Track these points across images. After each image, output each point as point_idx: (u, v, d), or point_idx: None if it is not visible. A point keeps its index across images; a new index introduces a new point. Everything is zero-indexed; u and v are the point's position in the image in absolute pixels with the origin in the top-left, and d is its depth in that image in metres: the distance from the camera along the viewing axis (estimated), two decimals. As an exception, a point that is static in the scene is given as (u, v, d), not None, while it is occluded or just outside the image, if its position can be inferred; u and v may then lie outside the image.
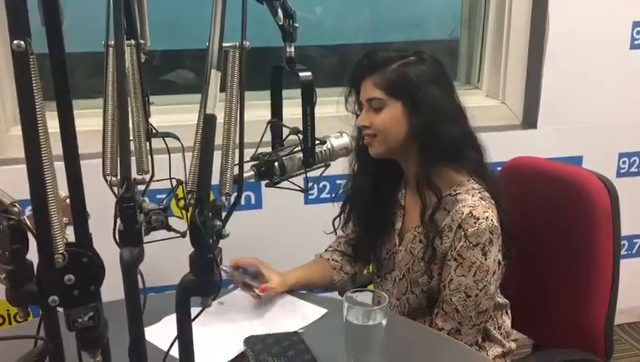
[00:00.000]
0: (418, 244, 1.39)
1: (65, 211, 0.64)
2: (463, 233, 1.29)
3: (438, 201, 1.34)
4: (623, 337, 2.71)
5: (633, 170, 2.57)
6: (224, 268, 1.37)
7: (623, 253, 1.47)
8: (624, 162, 2.55)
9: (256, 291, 1.35)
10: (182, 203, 0.83)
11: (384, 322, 1.07)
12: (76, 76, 2.18)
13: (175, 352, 0.77)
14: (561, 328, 1.51)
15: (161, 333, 1.02)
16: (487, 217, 1.28)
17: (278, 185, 1.07)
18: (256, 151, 1.05)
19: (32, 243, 0.66)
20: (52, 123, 0.62)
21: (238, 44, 0.77)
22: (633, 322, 2.81)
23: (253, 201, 2.20)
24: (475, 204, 1.30)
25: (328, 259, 1.55)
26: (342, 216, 1.55)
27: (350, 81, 1.42)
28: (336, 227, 1.56)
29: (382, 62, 1.35)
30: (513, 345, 1.49)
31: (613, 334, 1.41)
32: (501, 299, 1.47)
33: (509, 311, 1.51)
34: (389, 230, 1.49)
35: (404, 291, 1.44)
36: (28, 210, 0.64)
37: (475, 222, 1.28)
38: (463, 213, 1.29)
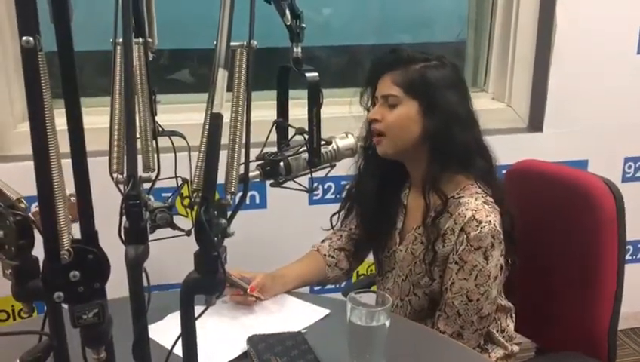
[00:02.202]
0: (419, 246, 1.39)
1: (70, 210, 0.64)
2: (465, 236, 1.29)
3: (443, 205, 1.34)
4: (626, 342, 2.70)
5: (639, 174, 2.56)
6: None
7: (627, 257, 1.46)
8: (630, 167, 2.54)
9: (245, 287, 1.33)
10: (187, 201, 0.83)
11: (387, 323, 1.07)
12: (84, 74, 2.19)
13: (178, 350, 0.77)
14: (564, 332, 1.51)
15: (164, 331, 1.03)
16: (489, 221, 1.28)
17: (283, 185, 1.07)
18: (261, 150, 1.05)
19: (38, 239, 0.66)
20: (59, 120, 0.62)
21: (245, 43, 0.77)
22: (637, 327, 2.80)
23: (257, 201, 2.20)
24: (478, 208, 1.30)
25: (325, 255, 1.55)
26: (341, 212, 1.56)
27: (369, 75, 1.43)
28: (333, 224, 1.57)
29: (405, 60, 1.35)
30: (516, 348, 1.49)
31: (616, 339, 1.41)
32: (505, 302, 1.47)
33: (513, 315, 1.51)
34: (391, 229, 1.49)
35: (407, 292, 1.44)
36: (34, 206, 0.65)
37: (478, 226, 1.28)
38: (465, 217, 1.29)
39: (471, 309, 1.31)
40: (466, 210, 1.30)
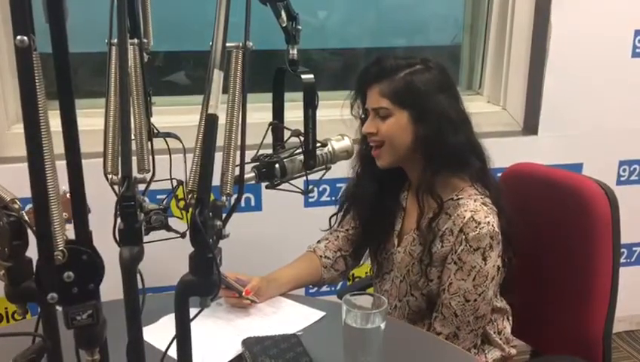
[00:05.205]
0: (418, 247, 1.40)
1: (65, 206, 0.64)
2: (463, 237, 1.29)
3: (439, 207, 1.34)
4: (621, 345, 2.70)
5: (633, 178, 2.57)
6: None
7: (622, 260, 1.47)
8: (624, 170, 2.55)
9: (241, 290, 1.33)
10: (182, 203, 0.83)
11: (383, 326, 1.07)
12: (79, 76, 2.19)
13: (173, 352, 0.77)
14: (559, 335, 1.51)
15: (159, 333, 1.02)
16: (488, 222, 1.29)
17: (278, 187, 1.07)
18: (257, 152, 1.05)
19: (32, 240, 0.66)
20: (54, 121, 0.62)
21: (241, 44, 0.77)
22: (631, 330, 2.81)
23: (253, 203, 2.20)
24: (476, 209, 1.30)
25: (321, 257, 1.55)
26: (339, 213, 1.56)
27: (356, 87, 1.42)
28: (332, 224, 1.57)
29: (389, 70, 1.35)
30: (513, 351, 1.49)
31: (611, 342, 1.41)
32: (502, 304, 1.48)
33: (509, 317, 1.51)
34: (389, 231, 1.49)
35: (405, 294, 1.44)
36: (28, 208, 0.64)
37: (477, 227, 1.28)
38: (464, 218, 1.30)
39: (468, 310, 1.31)
40: (465, 211, 1.30)
